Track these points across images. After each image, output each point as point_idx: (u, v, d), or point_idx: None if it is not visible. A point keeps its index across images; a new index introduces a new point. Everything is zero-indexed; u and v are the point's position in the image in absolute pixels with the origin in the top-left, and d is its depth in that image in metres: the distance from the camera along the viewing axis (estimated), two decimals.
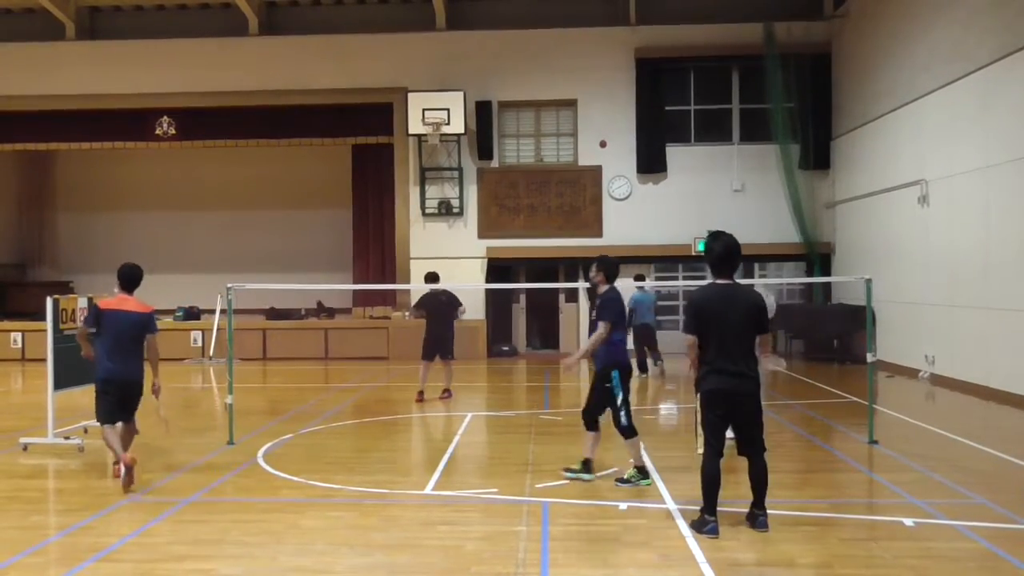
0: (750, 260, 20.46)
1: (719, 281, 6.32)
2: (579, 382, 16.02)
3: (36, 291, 20.80)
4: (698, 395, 6.32)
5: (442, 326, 13.16)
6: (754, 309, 6.22)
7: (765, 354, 6.58)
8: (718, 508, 6.16)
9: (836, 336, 18.76)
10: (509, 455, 9.13)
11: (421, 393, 13.08)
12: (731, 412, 6.18)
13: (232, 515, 6.85)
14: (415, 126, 19.64)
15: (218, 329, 19.69)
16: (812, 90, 19.79)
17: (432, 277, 13.48)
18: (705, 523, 6.10)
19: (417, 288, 19.99)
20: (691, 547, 5.87)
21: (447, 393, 13.36)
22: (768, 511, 6.23)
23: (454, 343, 13.41)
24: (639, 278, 16.04)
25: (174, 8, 21.53)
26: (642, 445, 7.89)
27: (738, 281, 6.44)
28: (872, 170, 17.57)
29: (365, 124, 21.02)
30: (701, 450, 6.24)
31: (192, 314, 21.22)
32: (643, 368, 15.66)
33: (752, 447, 6.22)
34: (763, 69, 19.85)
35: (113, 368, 7.83)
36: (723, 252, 6.27)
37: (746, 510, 6.36)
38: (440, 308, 13.11)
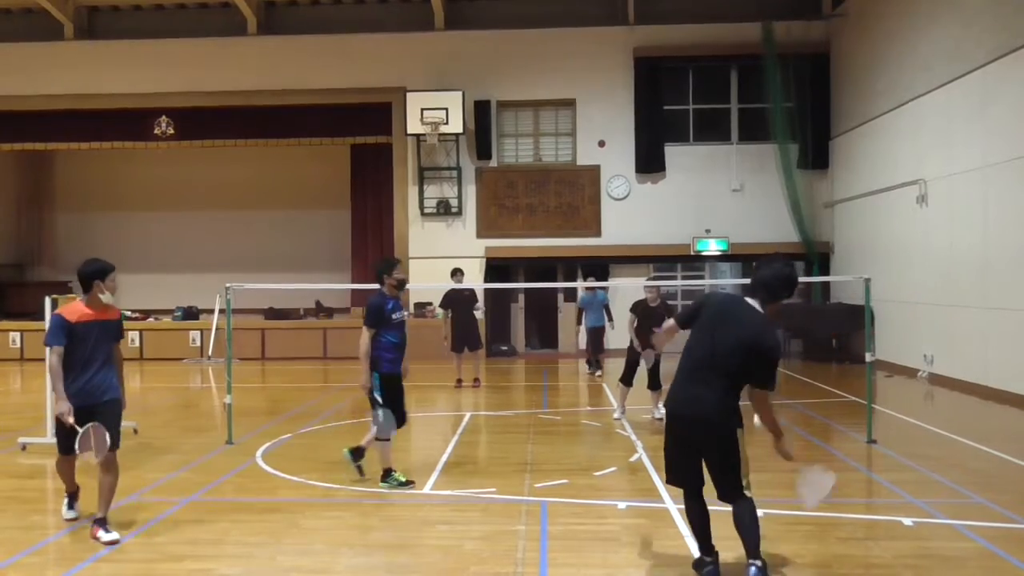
0: (749, 260, 20.48)
1: (747, 298, 5.22)
2: (576, 382, 16.03)
3: (35, 291, 20.81)
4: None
5: (467, 320, 14.58)
6: (751, 347, 5.00)
7: (764, 418, 5.22)
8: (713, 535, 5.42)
9: (835, 335, 18.77)
10: (508, 455, 9.14)
11: (459, 380, 14.58)
12: (691, 442, 5.17)
13: (231, 515, 6.85)
14: (414, 126, 19.65)
15: (217, 329, 19.69)
16: (811, 89, 19.81)
17: (457, 272, 15.06)
18: (703, 565, 5.35)
19: (415, 288, 20.10)
20: (690, 547, 5.86)
21: (476, 382, 14.68)
22: (768, 510, 5.82)
23: (479, 335, 14.91)
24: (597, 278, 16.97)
25: (173, 8, 21.52)
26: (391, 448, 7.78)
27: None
28: (871, 170, 17.58)
29: (364, 124, 21.02)
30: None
31: (191, 314, 21.21)
32: (591, 365, 16.69)
33: (723, 491, 5.16)
34: (762, 69, 19.87)
35: None
36: (773, 279, 5.15)
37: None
38: (464, 303, 14.50)
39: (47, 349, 6.24)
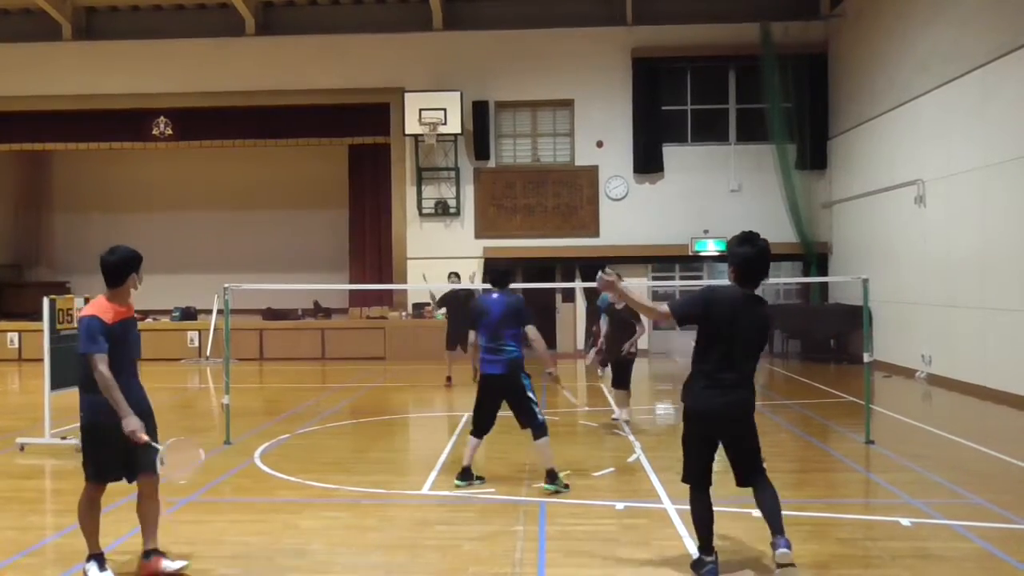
0: None
1: (735, 286, 5.36)
2: (574, 382, 16.03)
3: (33, 291, 20.79)
4: (684, 410, 5.39)
5: (462, 321, 14.47)
6: (766, 328, 5.38)
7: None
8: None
9: (833, 336, 18.79)
10: (506, 455, 9.12)
11: (449, 379, 14.50)
12: (722, 435, 5.35)
13: (229, 515, 6.85)
14: (412, 126, 19.66)
15: (215, 329, 19.67)
16: (809, 90, 19.83)
17: (452, 275, 15.23)
18: (703, 564, 5.33)
19: (414, 288, 20.11)
20: (688, 547, 5.87)
21: (476, 373, 14.48)
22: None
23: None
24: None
25: (171, 8, 21.52)
26: (469, 450, 7.64)
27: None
28: (869, 170, 17.59)
29: (362, 124, 21.05)
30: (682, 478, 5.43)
31: (189, 314, 21.20)
32: (603, 367, 15.61)
33: (753, 473, 5.37)
34: (760, 69, 19.90)
35: None
36: (756, 256, 5.29)
37: (738, 509, 6.34)
38: (459, 305, 14.39)
39: (92, 358, 5.17)
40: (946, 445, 9.57)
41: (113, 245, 5.47)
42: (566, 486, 7.45)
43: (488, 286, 8.00)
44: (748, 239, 5.34)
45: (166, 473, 5.24)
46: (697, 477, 5.35)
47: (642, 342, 15.59)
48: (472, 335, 7.75)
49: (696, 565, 5.40)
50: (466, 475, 7.64)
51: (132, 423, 5.12)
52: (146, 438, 5.15)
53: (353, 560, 5.81)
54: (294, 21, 21.32)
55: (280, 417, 11.74)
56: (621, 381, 10.81)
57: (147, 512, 5.46)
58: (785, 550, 5.09)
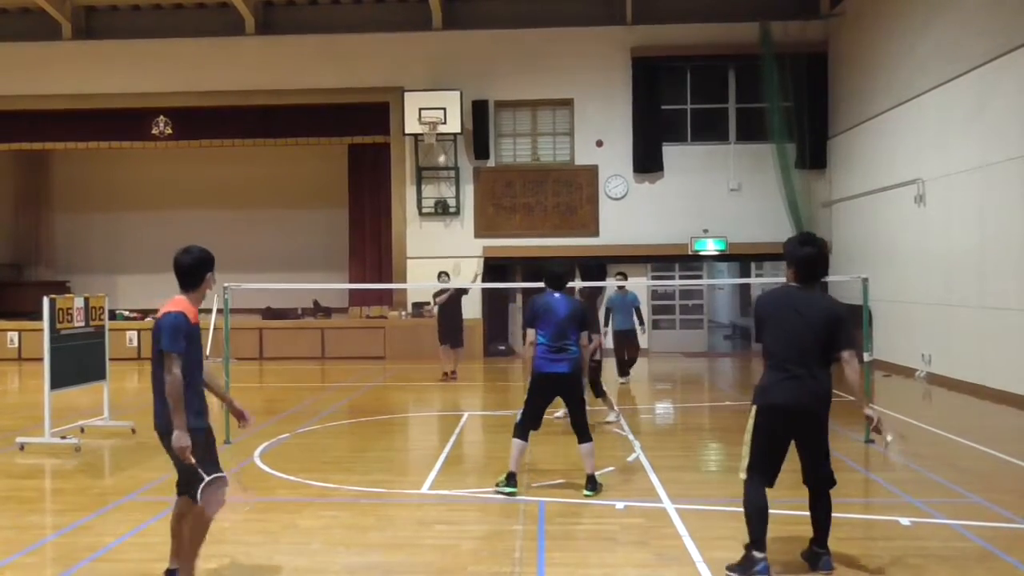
0: (747, 260, 20.54)
1: (791, 284, 5.48)
2: None
3: (33, 291, 20.77)
4: (753, 407, 5.43)
5: (450, 318, 15.28)
6: (826, 319, 5.26)
7: (855, 379, 5.57)
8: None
9: None
10: (506, 454, 9.09)
11: (453, 372, 15.25)
12: (790, 431, 5.34)
13: (228, 515, 6.81)
14: (411, 125, 19.64)
15: (215, 329, 19.64)
16: (809, 89, 19.79)
17: (443, 275, 16.06)
18: (754, 562, 5.17)
19: (413, 287, 20.10)
20: (687, 546, 5.88)
21: (453, 374, 15.14)
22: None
23: (462, 334, 15.49)
24: (620, 276, 15.15)
25: (170, 7, 21.51)
26: (516, 454, 7.43)
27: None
28: (868, 169, 17.60)
29: (361, 124, 21.04)
30: (744, 475, 5.39)
31: None
32: (621, 372, 14.91)
33: (817, 477, 5.42)
34: (760, 68, 19.85)
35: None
36: (819, 256, 5.42)
37: (738, 509, 6.33)
38: (451, 302, 15.24)
39: (171, 357, 4.89)
40: (945, 444, 9.57)
41: (187, 246, 5.29)
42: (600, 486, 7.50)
43: (542, 286, 8.08)
44: (809, 240, 5.46)
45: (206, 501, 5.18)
46: (759, 469, 5.33)
47: (642, 341, 15.72)
48: (531, 334, 7.53)
49: (746, 563, 5.25)
50: (514, 480, 7.40)
51: (184, 439, 4.83)
52: (193, 460, 4.90)
53: (352, 559, 5.81)
54: (294, 21, 21.31)
55: (279, 416, 11.74)
56: (598, 390, 10.96)
57: (192, 530, 5.28)
58: (827, 571, 5.30)
